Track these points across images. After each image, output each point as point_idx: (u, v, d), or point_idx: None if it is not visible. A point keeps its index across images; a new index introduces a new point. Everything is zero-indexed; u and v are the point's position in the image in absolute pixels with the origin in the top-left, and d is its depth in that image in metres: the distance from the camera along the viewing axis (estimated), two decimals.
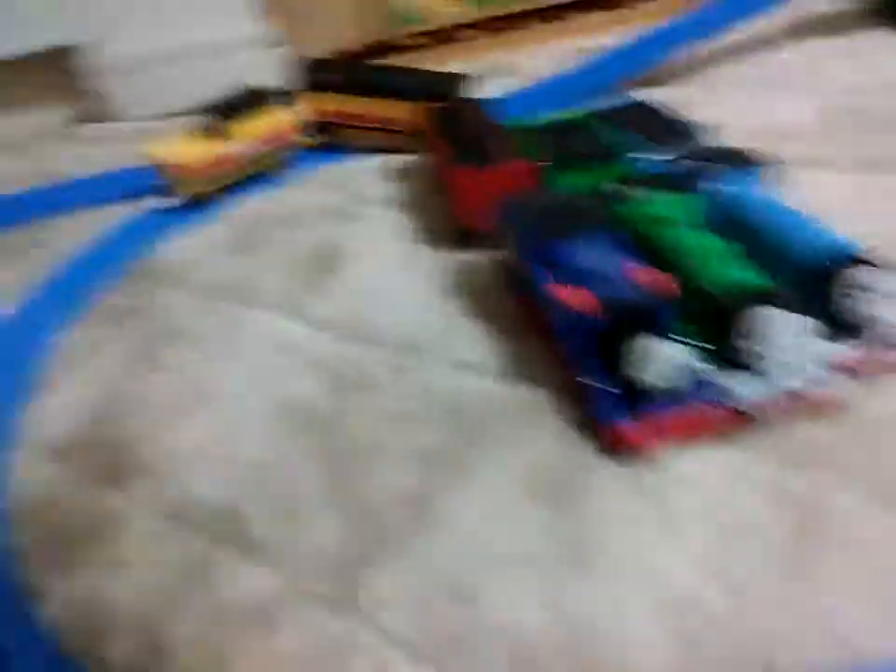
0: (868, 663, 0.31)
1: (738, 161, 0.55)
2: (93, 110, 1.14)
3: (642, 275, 0.45)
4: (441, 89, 0.77)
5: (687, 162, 0.55)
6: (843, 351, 0.43)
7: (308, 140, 0.82)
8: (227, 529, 0.42)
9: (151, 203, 0.76)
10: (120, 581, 0.40)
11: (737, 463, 0.41)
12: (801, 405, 0.42)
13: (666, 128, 0.62)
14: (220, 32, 1.09)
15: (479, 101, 0.74)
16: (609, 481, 0.41)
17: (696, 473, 0.41)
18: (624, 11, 1.24)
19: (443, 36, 1.23)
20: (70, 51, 1.06)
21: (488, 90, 0.84)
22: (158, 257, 0.70)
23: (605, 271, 0.45)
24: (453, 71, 0.81)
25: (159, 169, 0.75)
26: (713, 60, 0.92)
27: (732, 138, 0.62)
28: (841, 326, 0.44)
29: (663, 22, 0.88)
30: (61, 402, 0.53)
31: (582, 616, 0.35)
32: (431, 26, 1.21)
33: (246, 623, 0.37)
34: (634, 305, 0.43)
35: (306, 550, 0.40)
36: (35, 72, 1.11)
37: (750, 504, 0.39)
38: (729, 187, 0.52)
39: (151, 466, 0.47)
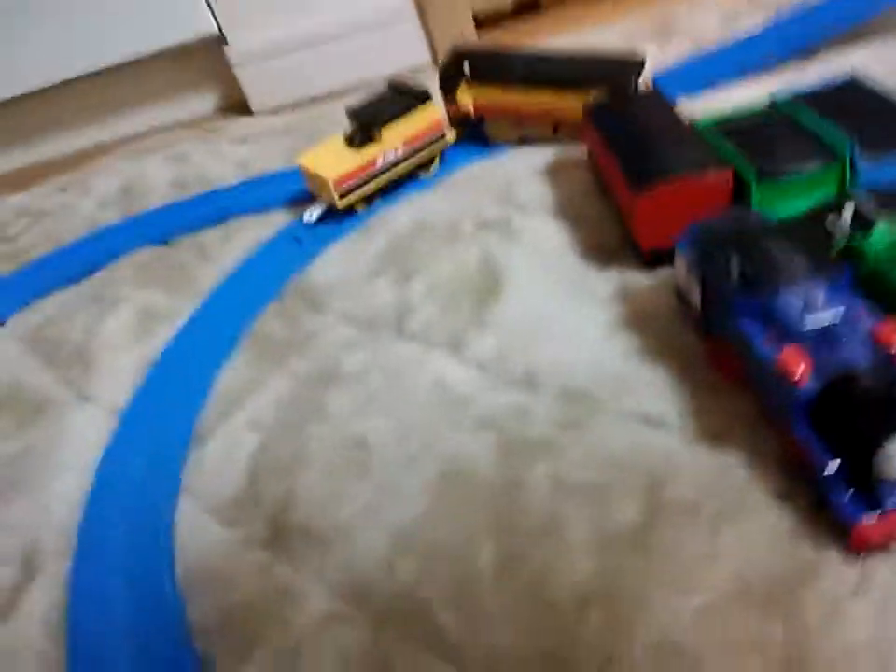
0: None
1: None
2: (235, 101, 1.15)
3: (885, 331, 0.36)
4: (613, 76, 0.67)
5: None
6: None
7: (455, 136, 0.76)
8: (406, 616, 0.39)
9: (303, 214, 0.74)
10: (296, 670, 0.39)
11: None
12: None
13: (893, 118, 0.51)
14: (354, 11, 1.05)
15: (652, 92, 0.64)
16: (843, 581, 0.34)
17: None
18: None
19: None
20: (208, 44, 1.06)
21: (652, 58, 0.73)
22: (310, 277, 0.68)
23: (837, 327, 0.37)
24: (625, 55, 0.70)
25: (308, 179, 0.73)
26: None
27: None
28: None
29: None
30: (221, 452, 0.53)
31: None
32: None
33: None
34: (874, 373, 0.35)
35: (490, 653, 0.37)
36: (173, 67, 1.12)
37: None
38: None
39: (318, 534, 0.45)
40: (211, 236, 0.79)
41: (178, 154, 1.00)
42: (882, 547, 0.35)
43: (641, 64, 0.67)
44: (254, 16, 1.05)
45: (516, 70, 0.72)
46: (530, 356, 0.52)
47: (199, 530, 0.48)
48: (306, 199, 0.77)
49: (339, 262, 0.68)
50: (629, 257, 0.57)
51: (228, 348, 0.63)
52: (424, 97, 0.72)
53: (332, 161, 0.70)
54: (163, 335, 0.66)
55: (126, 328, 0.69)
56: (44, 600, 0.46)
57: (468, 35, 1.07)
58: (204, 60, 1.12)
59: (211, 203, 0.84)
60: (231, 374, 0.60)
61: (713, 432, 0.43)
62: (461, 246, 0.65)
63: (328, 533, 0.45)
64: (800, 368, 0.36)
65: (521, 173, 0.72)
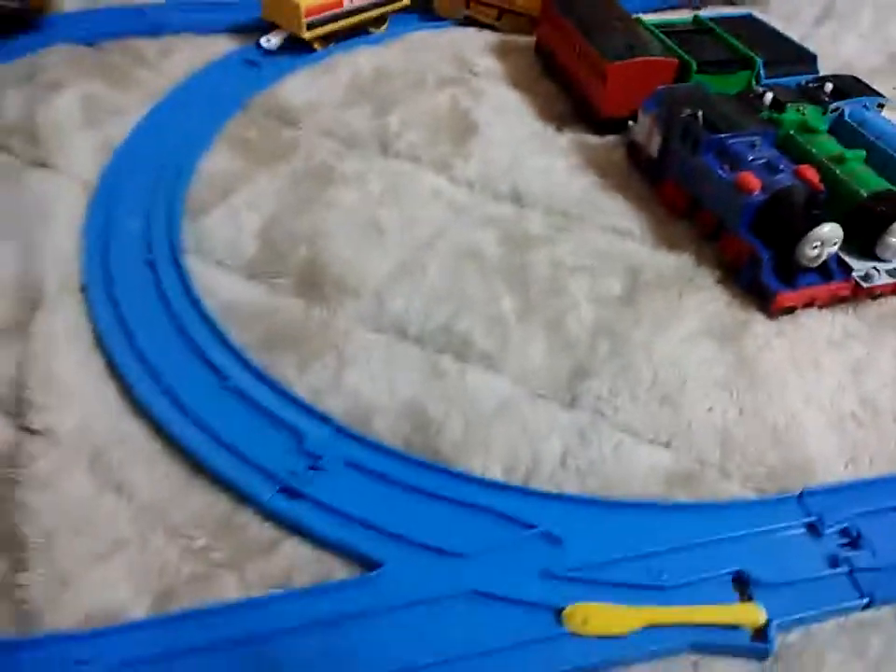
0: None
1: (857, 89, 0.62)
2: None
3: (805, 171, 0.52)
4: None
5: (816, 83, 0.62)
6: None
7: (406, 2, 0.82)
8: (450, 342, 0.47)
9: (259, 39, 0.75)
10: (357, 377, 0.45)
11: (854, 325, 0.51)
12: None
13: (787, 49, 0.69)
14: None
15: None
16: (766, 331, 0.49)
17: (827, 331, 0.50)
18: None
19: None
20: None
21: None
22: (276, 97, 0.70)
23: (773, 164, 0.52)
24: None
25: (269, 7, 0.74)
26: None
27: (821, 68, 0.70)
28: None
29: None
30: (223, 224, 0.56)
31: (757, 410, 0.44)
32: None
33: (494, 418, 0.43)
34: (803, 191, 0.50)
35: (525, 363, 0.46)
36: None
37: (865, 352, 0.49)
38: (853, 108, 0.60)
39: (352, 287, 0.51)
40: (145, 46, 0.76)
41: None
42: (790, 312, 0.51)
43: None
44: None
45: None
46: (512, 181, 0.62)
47: (218, 282, 0.51)
48: (254, 29, 0.78)
49: (305, 89, 0.71)
50: (580, 126, 0.69)
51: (203, 142, 0.63)
52: None
53: None
54: (117, 128, 0.64)
55: (72, 110, 0.66)
56: None
57: None
58: None
59: (143, 15, 0.80)
60: (215, 164, 0.62)
61: (669, 242, 0.56)
62: (428, 93, 0.72)
63: (360, 289, 0.51)
64: (755, 183, 0.51)
65: (472, 45, 0.80)
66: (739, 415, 0.44)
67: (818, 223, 0.49)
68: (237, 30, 0.80)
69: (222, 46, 0.77)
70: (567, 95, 0.72)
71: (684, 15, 0.76)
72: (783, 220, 0.50)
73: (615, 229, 0.57)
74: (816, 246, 0.49)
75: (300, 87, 0.72)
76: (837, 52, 0.83)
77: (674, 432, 0.43)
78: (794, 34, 0.80)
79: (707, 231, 0.56)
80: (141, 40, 0.77)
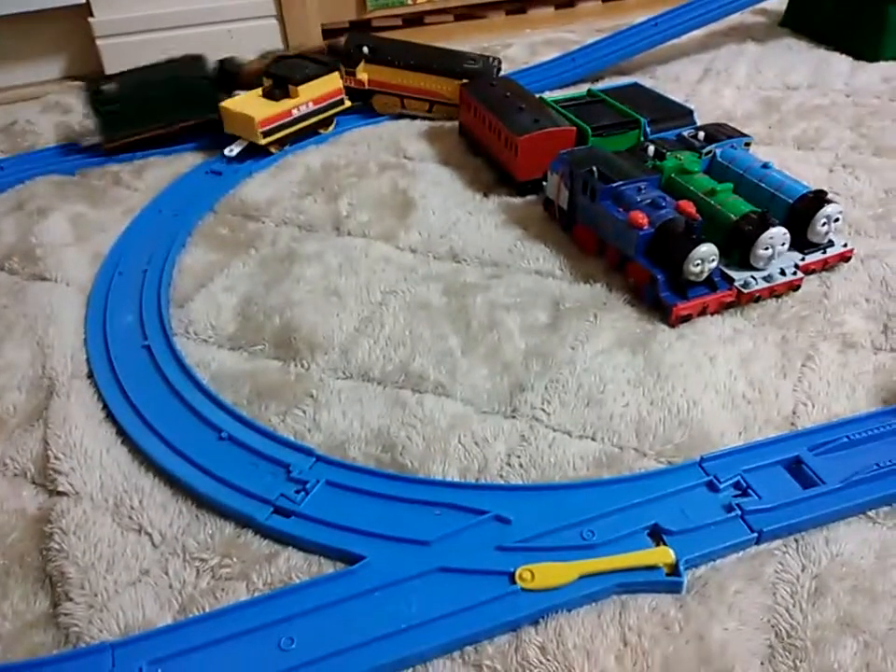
0: None
1: (725, 133, 0.74)
2: (88, 71, 1.19)
3: (684, 206, 0.63)
4: (479, 68, 0.93)
5: (692, 132, 0.74)
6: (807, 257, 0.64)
7: (349, 104, 0.95)
8: (407, 378, 0.56)
9: (223, 150, 0.87)
10: (331, 415, 0.54)
11: (740, 324, 0.61)
12: (781, 290, 0.63)
13: (667, 108, 0.82)
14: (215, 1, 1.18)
15: (509, 78, 0.90)
16: (668, 337, 0.59)
17: (718, 331, 0.60)
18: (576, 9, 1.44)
19: (413, 19, 1.38)
20: (69, 13, 1.12)
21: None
22: (240, 197, 0.81)
23: (658, 202, 0.63)
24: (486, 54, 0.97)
25: (229, 120, 0.86)
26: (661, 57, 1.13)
27: (704, 118, 0.82)
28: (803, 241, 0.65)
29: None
30: (206, 308, 0.65)
31: (664, 400, 0.53)
32: (405, 10, 1.35)
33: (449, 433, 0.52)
34: (682, 222, 0.61)
35: (471, 387, 0.55)
36: (34, 30, 1.15)
37: (751, 344, 0.58)
38: (724, 149, 0.72)
39: (321, 344, 0.60)
40: (119, 169, 0.87)
41: (56, 104, 1.04)
42: (687, 320, 0.61)
43: (499, 61, 0.93)
44: None
45: (406, 57, 0.93)
46: (449, 243, 0.72)
47: (206, 356, 0.60)
48: (211, 145, 0.90)
49: (264, 187, 0.83)
50: (503, 191, 0.80)
51: (179, 243, 0.73)
52: (332, 67, 0.89)
53: (255, 106, 0.85)
54: (103, 240, 0.74)
55: (63, 230, 0.76)
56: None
57: (316, 40, 1.26)
58: (65, 27, 1.16)
59: None
60: (192, 260, 0.71)
61: (585, 276, 0.66)
62: (371, 179, 0.83)
63: (328, 345, 0.60)
64: (643, 219, 0.62)
65: (406, 134, 0.92)
66: (650, 405, 0.53)
67: (696, 245, 0.59)
68: (198, 148, 0.91)
69: (187, 161, 0.89)
70: (490, 167, 0.84)
71: (579, 90, 0.89)
72: (669, 246, 0.61)
73: (539, 271, 0.68)
74: (698, 264, 0.60)
75: (259, 187, 0.83)
76: (718, 104, 0.96)
77: (598, 426, 0.52)
78: (680, 94, 0.94)
79: (614, 262, 0.66)
80: (115, 165, 0.88)
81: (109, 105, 0.85)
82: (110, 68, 1.16)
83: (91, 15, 1.13)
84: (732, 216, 0.63)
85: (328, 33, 1.31)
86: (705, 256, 0.59)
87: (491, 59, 0.95)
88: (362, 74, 0.95)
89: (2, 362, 0.59)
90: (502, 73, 0.97)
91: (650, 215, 0.63)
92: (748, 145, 0.75)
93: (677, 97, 0.96)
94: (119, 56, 1.16)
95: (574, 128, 0.77)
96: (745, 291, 0.61)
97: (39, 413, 0.55)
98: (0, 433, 0.54)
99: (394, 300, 0.65)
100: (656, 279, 0.61)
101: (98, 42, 1.14)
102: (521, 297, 0.64)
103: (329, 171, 0.85)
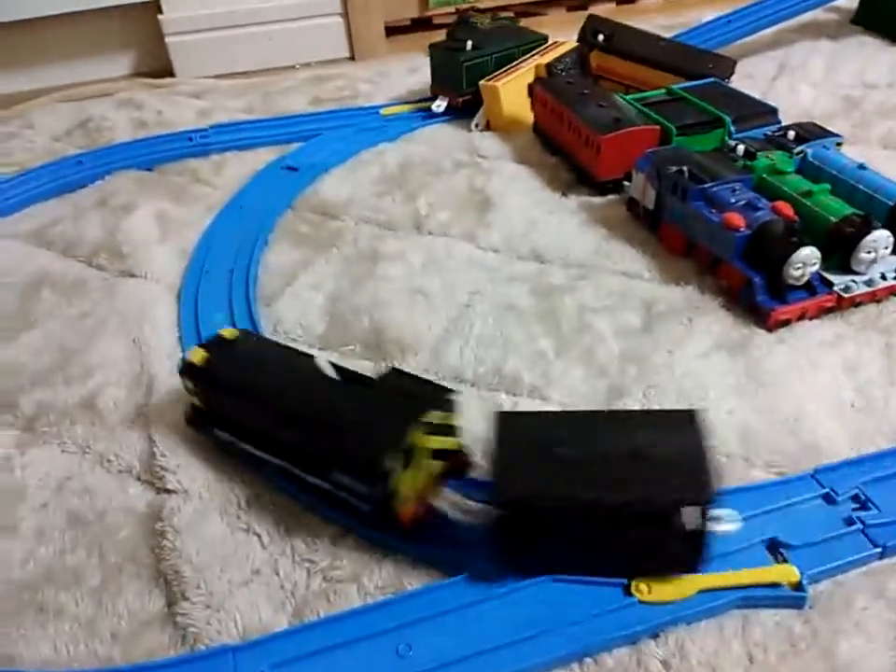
0: None
1: (813, 133, 0.73)
2: (157, 68, 1.21)
3: (781, 207, 0.62)
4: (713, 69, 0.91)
5: (780, 131, 0.73)
6: None
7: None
8: (501, 381, 0.56)
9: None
10: None
11: (841, 328, 0.59)
12: (882, 295, 0.61)
13: (750, 106, 0.80)
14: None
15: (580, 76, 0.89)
16: (767, 341, 0.58)
17: (819, 336, 0.58)
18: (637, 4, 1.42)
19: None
20: (140, 9, 1.13)
21: None
22: (318, 195, 0.81)
23: (753, 203, 0.62)
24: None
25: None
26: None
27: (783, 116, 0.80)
28: None
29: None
30: (293, 306, 0.65)
31: (769, 408, 0.52)
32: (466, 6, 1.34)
33: None
34: (781, 223, 0.60)
35: (568, 390, 0.55)
36: (103, 27, 1.17)
37: (855, 350, 0.57)
38: (816, 149, 0.70)
39: (411, 345, 0.60)
40: (199, 165, 0.88)
41: (128, 100, 1.05)
42: (785, 325, 0.59)
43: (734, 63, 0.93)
44: None
45: (640, 49, 0.94)
46: (531, 243, 0.71)
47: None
48: (285, 140, 0.90)
49: (342, 184, 0.83)
50: (583, 190, 0.79)
51: (262, 241, 0.74)
52: None
53: None
54: (188, 237, 0.75)
55: (148, 227, 0.77)
56: None
57: (380, 37, 1.26)
58: (134, 24, 1.18)
59: (190, 140, 0.92)
60: (276, 257, 0.72)
61: (675, 278, 0.65)
62: (448, 177, 0.83)
63: (418, 346, 0.60)
64: (740, 221, 0.60)
65: (477, 132, 0.92)
66: (755, 413, 0.52)
67: (797, 248, 0.58)
68: (272, 142, 0.92)
69: (263, 157, 0.89)
70: (568, 165, 0.83)
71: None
72: (768, 249, 0.59)
73: (626, 272, 0.67)
74: (799, 268, 0.58)
75: (337, 184, 0.83)
76: (796, 102, 0.94)
77: None
78: (756, 91, 0.92)
79: (705, 264, 0.65)
80: (194, 161, 0.89)
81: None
82: (178, 66, 1.18)
83: (161, 12, 1.15)
84: (831, 217, 0.62)
85: (387, 30, 1.31)
86: (806, 259, 0.58)
87: (728, 60, 0.93)
88: (592, 60, 0.95)
89: (97, 357, 0.60)
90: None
91: (746, 216, 0.61)
92: (839, 144, 0.73)
93: (753, 95, 0.94)
94: (187, 53, 1.17)
95: (658, 127, 0.76)
96: (845, 296, 0.60)
97: (141, 409, 0.56)
98: (102, 428, 0.55)
99: (480, 300, 0.64)
100: (753, 282, 0.60)
101: (167, 39, 1.16)
102: (610, 299, 0.63)
103: (404, 169, 0.85)
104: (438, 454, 0.46)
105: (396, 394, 0.47)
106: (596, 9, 1.40)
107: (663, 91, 0.85)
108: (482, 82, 0.90)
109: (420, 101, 1.00)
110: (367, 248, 0.72)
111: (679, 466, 0.40)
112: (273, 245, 0.74)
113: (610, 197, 0.78)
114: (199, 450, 0.52)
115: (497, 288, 0.66)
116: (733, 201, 0.63)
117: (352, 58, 1.26)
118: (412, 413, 0.44)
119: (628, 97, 0.83)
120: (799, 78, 1.01)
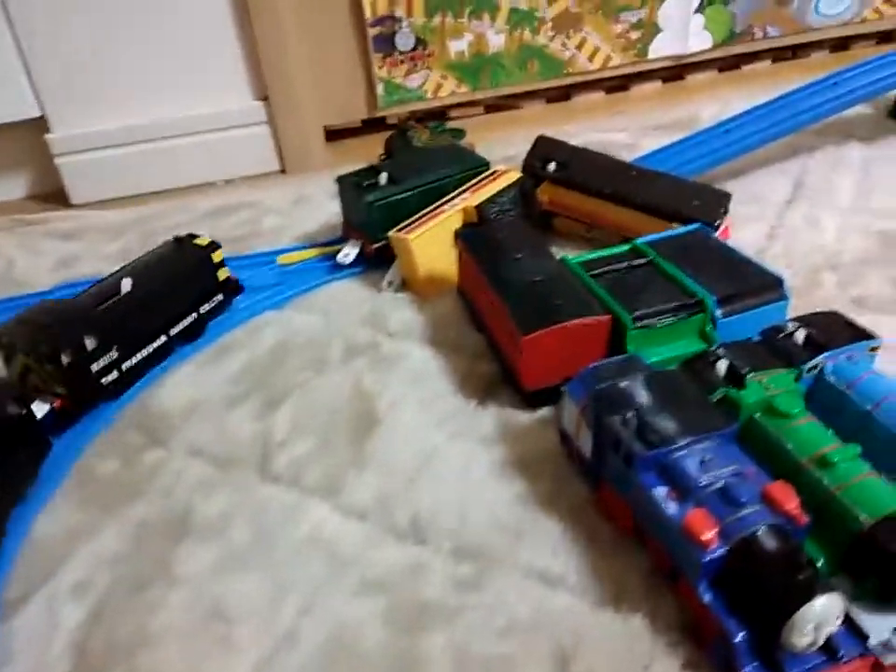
0: None
1: (838, 333, 0.49)
2: (52, 190, 1.03)
3: (778, 494, 0.38)
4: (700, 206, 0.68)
5: (785, 328, 0.49)
6: None
7: None
8: None
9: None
10: None
11: None
12: None
13: (744, 274, 0.56)
14: (202, 108, 1.00)
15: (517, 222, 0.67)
16: None
17: None
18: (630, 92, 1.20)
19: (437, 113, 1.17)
20: (28, 128, 0.96)
21: None
22: (156, 400, 0.60)
23: (733, 489, 0.38)
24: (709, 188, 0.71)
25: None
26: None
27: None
28: None
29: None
30: (34, 628, 0.43)
31: None
32: (424, 105, 1.15)
33: None
34: (777, 539, 0.36)
35: None
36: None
37: None
38: (837, 363, 0.46)
39: None
40: None
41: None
42: None
43: (728, 197, 0.69)
44: (84, 105, 0.97)
45: (603, 181, 0.72)
46: (415, 500, 0.49)
47: None
48: None
49: (188, 384, 0.61)
50: (506, 396, 0.57)
51: (45, 490, 0.52)
52: None
53: None
54: None
55: None
56: None
57: (316, 146, 1.07)
58: (22, 143, 1.01)
59: None
60: (50, 523, 0.50)
61: (613, 592, 0.41)
62: (330, 375, 0.60)
63: None
64: (709, 531, 0.37)
65: (387, 300, 0.70)
66: None
67: (806, 597, 0.34)
68: None
69: None
70: (493, 350, 0.60)
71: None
72: (755, 590, 0.36)
73: (543, 575, 0.43)
74: (809, 631, 0.34)
75: (183, 382, 0.61)
76: (814, 241, 0.70)
77: None
78: (763, 223, 0.70)
79: (661, 566, 0.41)
80: None
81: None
82: (71, 189, 1.00)
83: (48, 131, 0.97)
84: (860, 516, 0.38)
85: (332, 134, 1.12)
86: (822, 618, 0.34)
87: (718, 195, 0.69)
88: (543, 195, 0.75)
89: None
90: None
91: (719, 515, 0.38)
92: (874, 349, 0.49)
93: (758, 228, 0.71)
94: (82, 174, 1.00)
95: (606, 317, 0.53)
96: (887, 661, 0.35)
97: None
98: None
99: (309, 625, 0.41)
100: (730, 643, 0.36)
101: (56, 160, 0.98)
102: (508, 636, 0.40)
103: (278, 358, 0.63)
104: None
105: None
106: (582, 100, 1.19)
107: (626, 247, 0.62)
108: (391, 233, 0.69)
109: (329, 244, 0.79)
110: (180, 506, 0.50)
111: None
112: (58, 497, 0.52)
113: (542, 412, 0.55)
114: None
115: (340, 601, 0.43)
116: (701, 481, 0.39)
117: (283, 171, 1.07)
118: None
119: (575, 259, 0.60)
120: (821, 203, 0.77)
